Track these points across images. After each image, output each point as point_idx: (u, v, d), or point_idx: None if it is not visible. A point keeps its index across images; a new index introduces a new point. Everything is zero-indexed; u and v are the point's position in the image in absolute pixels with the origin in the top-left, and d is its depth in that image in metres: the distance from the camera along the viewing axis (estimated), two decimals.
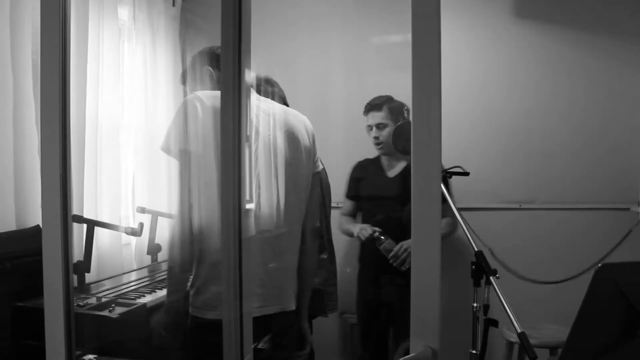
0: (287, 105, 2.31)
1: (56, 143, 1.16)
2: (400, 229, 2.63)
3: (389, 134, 2.73)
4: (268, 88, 2.27)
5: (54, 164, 1.16)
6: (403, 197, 2.69)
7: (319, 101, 3.29)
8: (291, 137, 1.90)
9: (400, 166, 2.81)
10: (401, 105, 2.76)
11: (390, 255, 2.61)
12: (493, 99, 3.23)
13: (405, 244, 2.60)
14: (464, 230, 1.90)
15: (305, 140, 1.95)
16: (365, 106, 2.83)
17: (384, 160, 2.86)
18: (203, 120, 1.71)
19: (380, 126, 2.77)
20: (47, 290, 1.17)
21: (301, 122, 1.97)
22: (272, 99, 2.19)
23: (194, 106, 1.74)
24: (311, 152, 1.98)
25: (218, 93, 1.78)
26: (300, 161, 1.93)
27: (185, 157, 1.73)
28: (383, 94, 2.82)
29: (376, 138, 2.79)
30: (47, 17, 1.16)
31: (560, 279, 3.01)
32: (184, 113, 1.75)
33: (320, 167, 2.06)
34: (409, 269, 2.65)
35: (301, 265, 1.98)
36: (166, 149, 1.75)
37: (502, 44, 3.22)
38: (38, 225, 2.31)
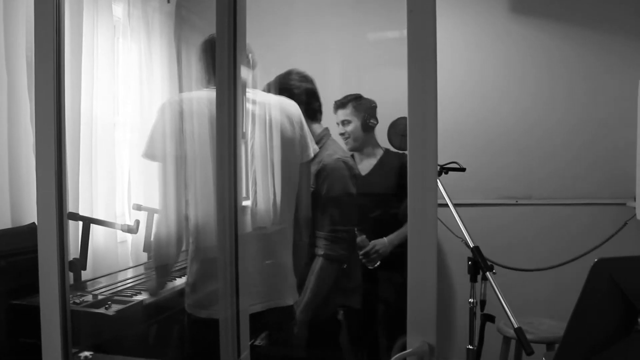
0: (317, 94, 2.31)
1: (51, 141, 1.15)
2: (373, 227, 2.63)
3: (353, 130, 2.75)
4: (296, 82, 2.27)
5: (49, 161, 1.15)
6: (374, 195, 2.70)
7: None
8: (275, 131, 1.90)
9: (370, 163, 2.81)
10: (369, 102, 2.77)
11: (362, 252, 2.62)
12: (490, 95, 3.23)
13: (377, 244, 2.61)
14: (460, 226, 1.90)
15: (287, 131, 1.93)
16: (333, 104, 2.84)
17: (356, 158, 2.86)
18: (178, 124, 1.77)
19: (345, 122, 2.79)
20: (43, 288, 1.17)
21: (284, 111, 1.96)
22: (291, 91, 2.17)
23: (168, 111, 1.80)
24: (295, 141, 1.96)
25: (198, 94, 1.82)
26: (284, 153, 1.92)
27: (167, 161, 1.76)
28: (379, 90, 2.82)
29: (342, 134, 2.81)
30: (41, 14, 1.15)
31: (556, 273, 3.02)
32: (159, 119, 1.81)
33: (311, 156, 2.04)
34: (378, 267, 2.58)
35: (293, 258, 1.99)
36: (148, 155, 1.78)
37: (499, 40, 3.22)
38: (34, 223, 2.30)
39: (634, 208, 2.84)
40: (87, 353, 1.77)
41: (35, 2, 1.16)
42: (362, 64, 3.35)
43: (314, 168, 2.19)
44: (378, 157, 2.79)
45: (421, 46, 0.99)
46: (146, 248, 2.84)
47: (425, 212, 0.98)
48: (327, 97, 3.29)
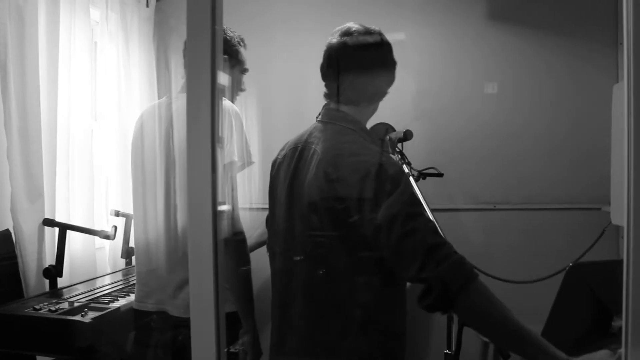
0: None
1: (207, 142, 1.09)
2: None
3: None
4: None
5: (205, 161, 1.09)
6: None
7: (295, 103, 3.28)
8: None
9: None
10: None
11: None
12: (467, 101, 3.25)
13: None
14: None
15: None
16: None
17: None
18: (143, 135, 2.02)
19: None
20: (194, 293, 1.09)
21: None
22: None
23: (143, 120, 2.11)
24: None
25: (155, 105, 2.06)
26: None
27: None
28: None
29: None
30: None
31: (534, 278, 3.05)
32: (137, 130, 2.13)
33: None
34: None
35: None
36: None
37: (476, 46, 3.25)
38: (7, 230, 2.26)
39: (609, 213, 2.88)
40: None
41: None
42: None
43: None
44: None
45: None
46: (124, 254, 2.81)
47: None
48: (310, 102, 3.30)
